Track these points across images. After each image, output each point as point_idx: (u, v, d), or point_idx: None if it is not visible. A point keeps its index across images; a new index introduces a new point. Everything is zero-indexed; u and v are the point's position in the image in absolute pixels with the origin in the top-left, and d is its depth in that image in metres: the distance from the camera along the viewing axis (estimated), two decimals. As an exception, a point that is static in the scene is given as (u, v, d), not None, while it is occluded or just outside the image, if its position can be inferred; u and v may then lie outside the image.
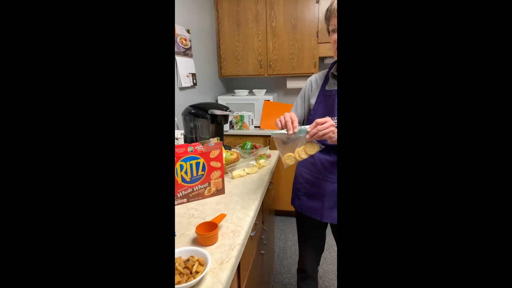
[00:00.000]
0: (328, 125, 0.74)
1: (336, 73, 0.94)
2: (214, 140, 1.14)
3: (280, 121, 0.78)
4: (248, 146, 1.39)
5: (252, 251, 0.96)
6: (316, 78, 1.01)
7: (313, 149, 0.80)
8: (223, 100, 2.31)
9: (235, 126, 2.23)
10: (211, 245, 0.67)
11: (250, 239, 0.91)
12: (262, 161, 1.25)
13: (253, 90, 2.40)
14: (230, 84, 2.69)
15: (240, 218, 0.80)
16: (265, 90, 2.37)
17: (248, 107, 2.28)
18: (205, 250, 0.60)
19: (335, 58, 0.89)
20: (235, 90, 2.41)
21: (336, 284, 1.61)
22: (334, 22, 0.82)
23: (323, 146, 0.81)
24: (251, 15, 2.26)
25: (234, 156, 1.21)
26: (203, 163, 0.92)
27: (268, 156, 1.37)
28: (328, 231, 1.11)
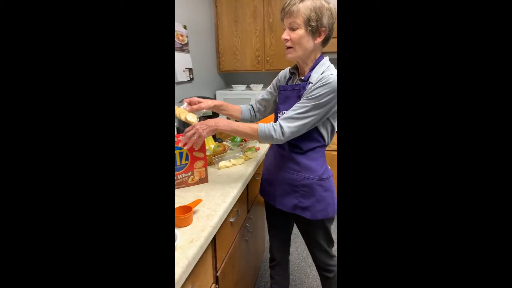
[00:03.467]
0: (189, 135, 0.92)
1: (292, 71, 1.02)
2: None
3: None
4: (238, 139, 1.45)
5: (232, 236, 1.02)
6: (285, 73, 1.08)
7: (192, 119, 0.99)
8: (221, 94, 2.36)
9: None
10: (185, 226, 0.74)
11: (230, 224, 0.97)
12: (249, 153, 1.31)
13: (251, 85, 2.44)
14: (228, 79, 2.74)
15: (217, 204, 0.86)
16: (262, 85, 2.42)
17: (245, 102, 2.33)
18: (176, 230, 0.66)
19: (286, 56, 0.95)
20: (233, 85, 2.46)
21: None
22: (285, 22, 0.89)
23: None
24: (249, 11, 2.30)
25: (221, 148, 1.27)
26: (186, 153, 0.98)
27: (257, 149, 1.42)
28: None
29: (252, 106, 1.19)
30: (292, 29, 0.87)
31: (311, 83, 0.90)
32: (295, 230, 1.84)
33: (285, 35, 0.88)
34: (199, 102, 1.00)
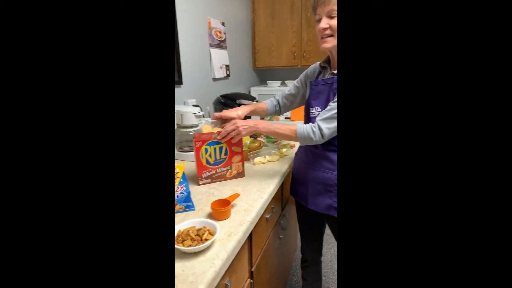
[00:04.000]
0: (229, 130, 0.95)
1: (323, 65, 0.98)
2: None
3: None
4: (273, 136, 1.44)
5: (267, 233, 1.02)
6: (315, 68, 1.05)
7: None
8: (255, 91, 2.37)
9: (265, 117, 2.28)
10: (224, 219, 0.75)
11: (266, 220, 0.97)
12: (284, 150, 1.29)
13: (285, 81, 2.41)
14: (263, 75, 2.73)
15: (254, 199, 0.86)
16: (297, 82, 2.37)
17: (279, 99, 2.32)
18: (216, 223, 0.67)
19: (320, 48, 0.91)
20: (268, 81, 2.45)
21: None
22: (319, 11, 0.85)
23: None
24: (286, 6, 2.26)
25: (257, 144, 1.27)
26: (226, 148, 0.99)
27: (292, 146, 1.40)
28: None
29: (278, 100, 1.18)
30: (331, 17, 0.84)
31: None
32: (328, 230, 1.80)
33: (323, 23, 0.84)
34: (226, 116, 1.04)
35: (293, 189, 1.11)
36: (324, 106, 0.92)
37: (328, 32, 0.85)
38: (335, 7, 0.82)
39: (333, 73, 0.92)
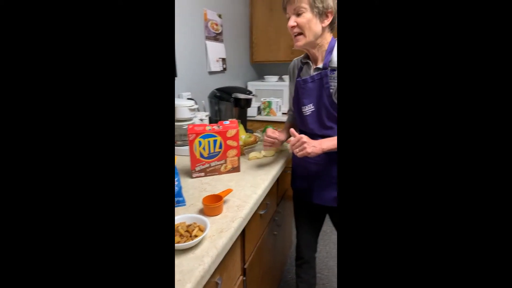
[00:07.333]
0: (299, 144, 0.83)
1: (304, 61, 0.96)
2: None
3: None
4: (269, 131, 1.41)
5: (261, 229, 0.99)
6: (294, 64, 1.02)
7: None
8: (252, 85, 2.33)
9: (262, 112, 2.25)
10: (215, 215, 0.72)
11: (259, 217, 0.95)
12: (280, 145, 1.27)
13: (283, 77, 2.38)
14: (261, 70, 2.69)
15: (247, 195, 0.84)
16: (295, 77, 2.34)
17: (277, 93, 2.28)
18: (206, 218, 0.65)
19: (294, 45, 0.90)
20: (265, 76, 2.42)
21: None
22: (288, 10, 0.85)
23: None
24: None
25: (252, 138, 1.24)
26: (220, 141, 0.97)
27: (288, 142, 1.37)
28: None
29: (292, 111, 1.15)
30: (298, 14, 0.82)
31: (333, 68, 0.85)
32: (324, 227, 1.78)
33: (291, 22, 0.84)
34: (276, 137, 1.04)
35: (295, 185, 1.09)
36: (316, 103, 0.91)
37: (296, 30, 0.84)
38: (302, 4, 0.81)
39: (318, 68, 0.90)
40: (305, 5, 0.81)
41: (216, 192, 0.80)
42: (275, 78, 2.40)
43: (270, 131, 1.04)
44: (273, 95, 2.28)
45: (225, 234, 0.64)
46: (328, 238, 1.89)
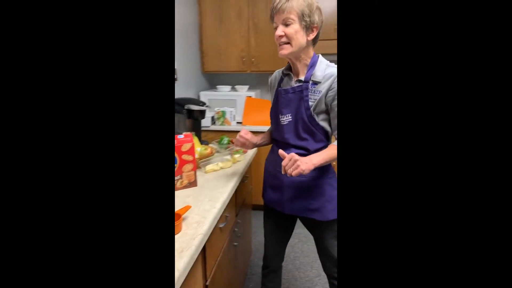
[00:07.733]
0: (291, 163, 0.81)
1: (286, 72, 0.99)
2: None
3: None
4: (225, 141, 1.42)
5: (221, 243, 0.99)
6: (276, 76, 1.06)
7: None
8: (205, 95, 2.31)
9: (216, 122, 2.25)
10: (174, 235, 0.70)
11: (220, 230, 0.94)
12: (237, 156, 1.28)
13: (236, 86, 2.41)
14: (213, 79, 2.69)
15: (206, 210, 0.83)
16: (247, 87, 2.39)
17: (230, 103, 2.30)
18: (165, 239, 0.62)
19: (278, 55, 0.94)
20: (218, 86, 2.42)
21: (311, 276, 1.67)
22: (276, 20, 0.88)
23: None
24: (234, 11, 2.27)
25: (208, 150, 1.23)
26: (175, 156, 0.94)
27: (245, 152, 1.39)
28: (300, 225, 1.15)
29: None
30: (286, 24, 0.86)
31: (315, 82, 0.90)
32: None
33: (279, 31, 0.87)
34: (247, 139, 1.02)
35: (266, 196, 1.08)
36: (294, 114, 0.94)
37: (284, 39, 0.88)
38: (291, 16, 0.85)
39: (300, 80, 0.94)
40: (294, 16, 0.84)
41: (174, 210, 0.77)
42: (228, 87, 2.42)
43: (244, 132, 1.02)
44: (227, 105, 2.29)
45: (186, 254, 0.63)
46: (290, 247, 1.94)
